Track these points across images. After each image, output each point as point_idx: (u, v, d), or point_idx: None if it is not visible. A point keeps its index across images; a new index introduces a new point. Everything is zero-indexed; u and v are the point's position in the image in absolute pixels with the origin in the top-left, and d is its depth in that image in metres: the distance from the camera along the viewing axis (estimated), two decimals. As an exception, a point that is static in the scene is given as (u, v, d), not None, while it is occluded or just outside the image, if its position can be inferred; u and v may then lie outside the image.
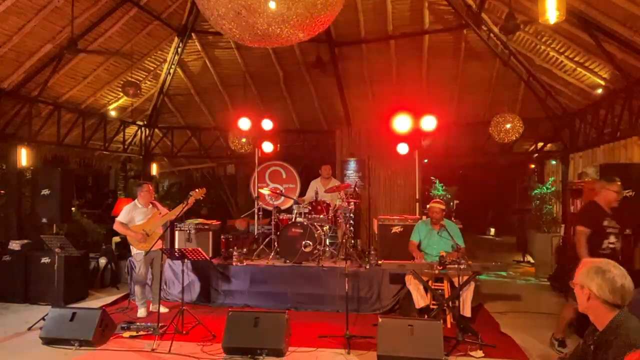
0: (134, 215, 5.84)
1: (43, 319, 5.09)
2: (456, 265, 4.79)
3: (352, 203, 6.91)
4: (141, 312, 5.83)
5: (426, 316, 5.07)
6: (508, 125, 7.44)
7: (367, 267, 6.22)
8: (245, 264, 6.51)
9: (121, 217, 5.83)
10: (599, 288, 1.95)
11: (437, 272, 4.99)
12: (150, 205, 5.94)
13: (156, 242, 5.73)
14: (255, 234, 7.75)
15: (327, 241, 6.87)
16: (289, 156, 10.46)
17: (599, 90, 6.90)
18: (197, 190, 5.66)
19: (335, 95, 9.56)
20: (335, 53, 8.63)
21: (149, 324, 5.26)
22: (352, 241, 6.88)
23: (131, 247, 5.93)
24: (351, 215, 6.85)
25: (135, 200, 5.96)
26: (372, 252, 6.67)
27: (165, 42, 8.47)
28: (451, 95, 9.03)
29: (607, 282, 1.94)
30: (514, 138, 7.62)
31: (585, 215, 4.63)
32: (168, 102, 10.11)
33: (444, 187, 10.27)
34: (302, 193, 9.08)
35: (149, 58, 8.60)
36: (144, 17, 7.59)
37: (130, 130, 10.18)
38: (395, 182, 9.16)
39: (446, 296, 5.24)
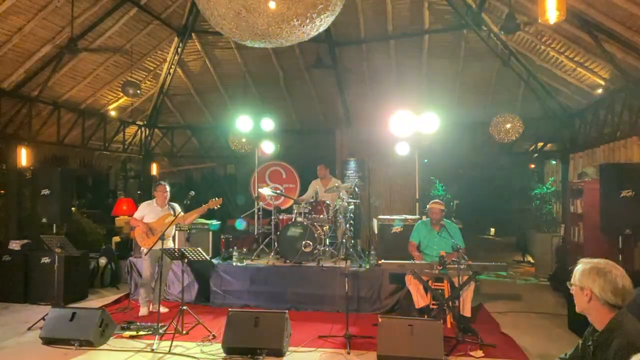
0: (146, 212, 5.97)
1: (43, 319, 5.09)
2: (456, 265, 4.79)
3: (352, 203, 6.91)
4: (143, 311, 5.85)
5: (426, 316, 5.07)
6: (508, 125, 7.45)
7: (367, 267, 6.22)
8: (245, 264, 6.51)
9: (135, 213, 6.06)
10: (601, 289, 1.94)
11: (437, 272, 4.99)
12: (167, 206, 5.98)
13: (155, 242, 5.74)
14: (255, 234, 7.76)
15: (327, 241, 6.87)
16: (289, 156, 10.46)
17: (599, 90, 6.90)
18: (214, 199, 5.71)
19: (335, 95, 9.56)
20: (335, 53, 8.63)
21: (149, 323, 5.27)
22: (352, 241, 6.88)
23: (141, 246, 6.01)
24: (351, 215, 6.85)
25: (153, 200, 6.07)
26: (372, 252, 6.67)
27: (165, 42, 8.47)
28: (451, 96, 9.03)
29: (609, 284, 1.93)
30: (514, 138, 7.63)
31: None
32: (168, 102, 10.11)
33: (443, 187, 10.27)
34: (302, 193, 9.08)
35: (149, 58, 8.60)
36: (144, 17, 7.59)
37: (130, 130, 10.19)
38: (395, 182, 9.16)
39: (446, 296, 5.24)
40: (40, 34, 6.63)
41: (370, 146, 9.16)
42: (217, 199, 5.73)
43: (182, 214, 5.97)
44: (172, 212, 5.95)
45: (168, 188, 6.11)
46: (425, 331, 4.25)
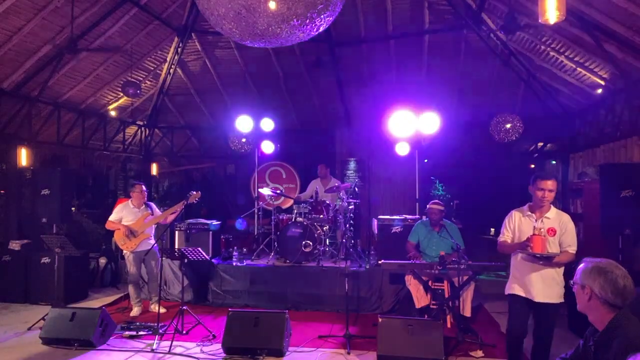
0: (124, 215, 5.87)
1: (43, 319, 5.10)
2: (456, 265, 4.79)
3: (352, 203, 6.91)
4: (134, 312, 5.84)
5: (426, 316, 5.07)
6: (508, 125, 7.44)
7: (367, 267, 6.22)
8: (245, 263, 6.51)
9: (112, 216, 5.92)
10: (601, 289, 1.94)
11: (437, 272, 4.99)
12: (144, 206, 5.94)
13: (155, 243, 5.75)
14: (255, 234, 7.76)
15: (327, 241, 6.87)
16: (289, 156, 10.45)
17: (599, 90, 6.90)
18: (193, 193, 5.66)
19: (335, 95, 9.56)
20: (335, 53, 8.63)
21: (149, 323, 5.27)
22: (352, 241, 6.88)
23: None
24: (351, 215, 6.85)
25: (129, 200, 5.97)
26: (372, 252, 6.67)
27: (165, 42, 8.47)
28: (451, 95, 9.03)
29: (609, 283, 1.93)
30: (514, 138, 7.62)
31: None
32: (168, 102, 10.11)
33: (443, 187, 10.25)
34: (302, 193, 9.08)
35: (149, 58, 8.60)
36: (144, 17, 7.59)
37: (130, 130, 10.18)
38: (395, 182, 9.16)
39: (446, 296, 5.24)
40: (40, 34, 6.63)
41: (370, 146, 9.16)
42: (195, 192, 5.66)
43: (159, 212, 5.97)
44: (150, 212, 5.92)
45: (144, 188, 6.06)
46: (425, 331, 4.26)
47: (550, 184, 3.54)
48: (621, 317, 1.92)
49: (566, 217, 3.56)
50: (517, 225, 3.69)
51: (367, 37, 8.38)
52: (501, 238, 3.79)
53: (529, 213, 3.65)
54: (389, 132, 7.03)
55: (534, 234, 3.39)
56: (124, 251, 5.88)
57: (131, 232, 5.75)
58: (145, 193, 6.02)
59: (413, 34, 8.13)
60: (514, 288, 3.64)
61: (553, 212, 3.59)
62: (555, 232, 3.49)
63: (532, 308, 3.57)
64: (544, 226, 3.53)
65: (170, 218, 5.88)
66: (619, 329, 1.90)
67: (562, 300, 3.56)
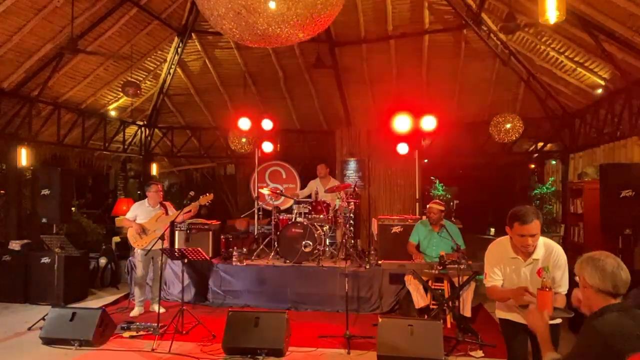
0: (138, 213, 5.94)
1: (43, 319, 5.10)
2: (456, 265, 4.79)
3: (352, 203, 6.91)
4: (134, 312, 5.85)
5: (426, 316, 5.07)
6: (508, 125, 7.45)
7: (367, 267, 6.22)
8: (245, 264, 6.51)
9: (127, 214, 6.03)
10: (590, 276, 1.98)
11: (437, 272, 4.99)
12: (159, 206, 5.97)
13: (156, 241, 5.74)
14: (255, 234, 7.76)
15: (327, 241, 6.87)
16: (289, 156, 10.46)
17: (599, 90, 6.90)
18: (205, 195, 5.65)
19: (335, 95, 9.55)
20: (335, 53, 8.63)
21: (149, 324, 5.27)
22: (352, 241, 6.88)
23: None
24: (351, 215, 6.85)
25: (145, 199, 6.02)
26: (372, 252, 6.67)
27: (165, 42, 8.47)
28: (451, 95, 9.03)
29: (597, 270, 1.96)
30: (514, 138, 7.63)
31: None
32: (168, 102, 10.11)
33: (443, 187, 10.26)
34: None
35: (149, 58, 8.60)
36: (144, 17, 7.59)
37: (130, 130, 10.18)
38: (395, 182, 9.16)
39: (446, 296, 5.24)
40: (40, 33, 6.63)
41: (370, 146, 9.16)
42: (207, 194, 5.66)
43: (174, 212, 5.98)
44: (164, 211, 5.94)
45: (160, 187, 6.09)
46: (425, 331, 4.25)
47: (533, 227, 2.65)
48: (612, 308, 1.91)
49: (557, 248, 2.83)
50: (502, 269, 2.89)
51: (367, 37, 8.38)
52: (490, 282, 2.93)
53: (514, 256, 2.84)
54: (389, 132, 7.03)
55: (544, 288, 2.46)
56: (135, 249, 5.92)
57: (143, 230, 5.79)
58: (161, 193, 6.05)
59: (413, 34, 8.13)
60: (506, 313, 3.04)
61: (541, 249, 2.79)
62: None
63: (528, 332, 2.93)
64: (532, 267, 2.80)
65: (180, 217, 5.82)
66: (600, 316, 1.90)
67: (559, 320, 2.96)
